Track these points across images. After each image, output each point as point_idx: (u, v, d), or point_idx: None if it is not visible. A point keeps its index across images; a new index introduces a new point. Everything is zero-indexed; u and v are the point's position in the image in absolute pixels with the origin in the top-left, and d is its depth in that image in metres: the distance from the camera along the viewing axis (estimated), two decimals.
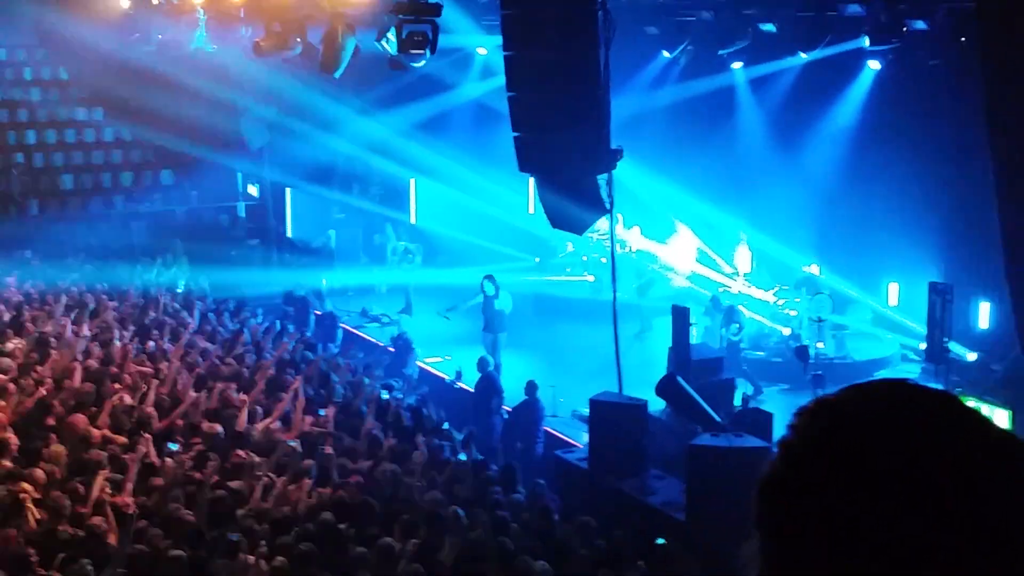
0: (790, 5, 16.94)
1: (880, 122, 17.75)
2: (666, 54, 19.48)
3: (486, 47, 21.30)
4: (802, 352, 15.38)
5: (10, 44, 27.19)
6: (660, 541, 10.33)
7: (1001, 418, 12.79)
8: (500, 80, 13.47)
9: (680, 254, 20.92)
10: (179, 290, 18.41)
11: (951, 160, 16.82)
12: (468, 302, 18.24)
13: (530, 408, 14.34)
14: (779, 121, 19.55)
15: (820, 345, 15.95)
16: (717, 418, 12.09)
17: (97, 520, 9.03)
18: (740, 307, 17.08)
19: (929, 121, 16.72)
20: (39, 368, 13.03)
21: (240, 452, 10.95)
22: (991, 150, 11.24)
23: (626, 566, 9.28)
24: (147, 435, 10.85)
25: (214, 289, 19.15)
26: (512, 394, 15.02)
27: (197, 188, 25.90)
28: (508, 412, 14.83)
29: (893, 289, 18.32)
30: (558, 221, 13.57)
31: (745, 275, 19.72)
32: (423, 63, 15.09)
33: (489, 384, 14.91)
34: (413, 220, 25.41)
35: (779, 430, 10.93)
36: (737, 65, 19.07)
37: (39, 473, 9.98)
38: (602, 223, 14.42)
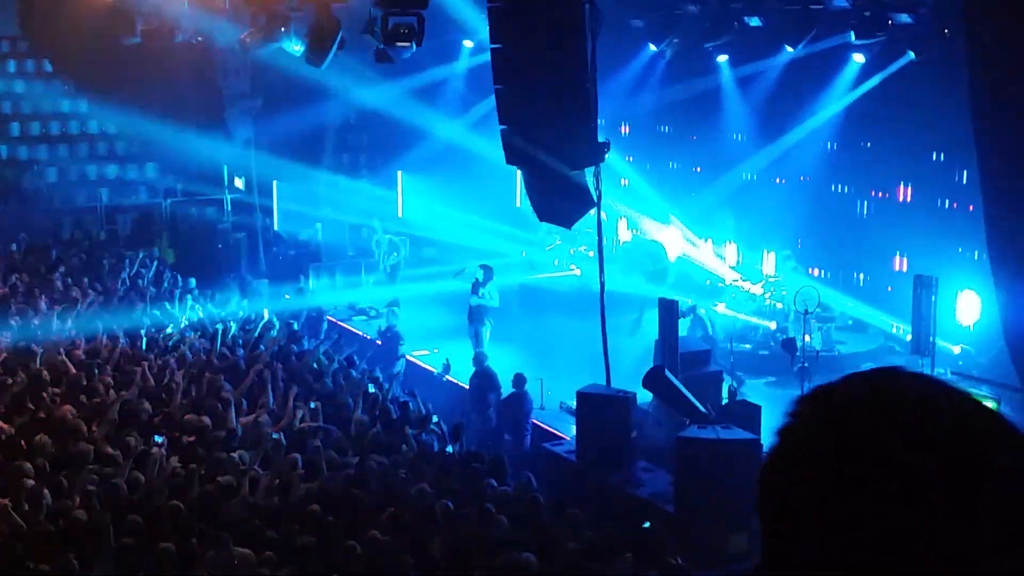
0: None
1: (865, 114, 17.81)
2: (652, 47, 19.50)
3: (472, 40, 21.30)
4: (789, 344, 15.44)
5: None
6: (646, 525, 10.39)
7: None
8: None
9: (671, 245, 21.00)
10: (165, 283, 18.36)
11: (936, 152, 16.91)
12: (467, 272, 18.09)
13: (518, 401, 14.36)
14: (764, 113, 19.61)
15: (807, 338, 16.01)
16: (704, 410, 12.13)
17: (83, 513, 9.02)
18: (701, 310, 17.03)
19: (914, 114, 16.79)
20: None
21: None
22: (976, 142, 11.31)
23: (614, 558, 9.31)
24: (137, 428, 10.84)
25: (201, 282, 19.09)
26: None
27: (182, 180, 25.81)
28: (496, 405, 14.84)
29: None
30: (546, 214, 13.58)
31: (732, 267, 19.80)
32: (409, 55, 15.11)
33: (486, 378, 14.93)
34: (400, 213, 25.39)
35: (767, 422, 11.02)
36: (723, 58, 19.11)
37: (27, 466, 9.95)
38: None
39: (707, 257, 20.70)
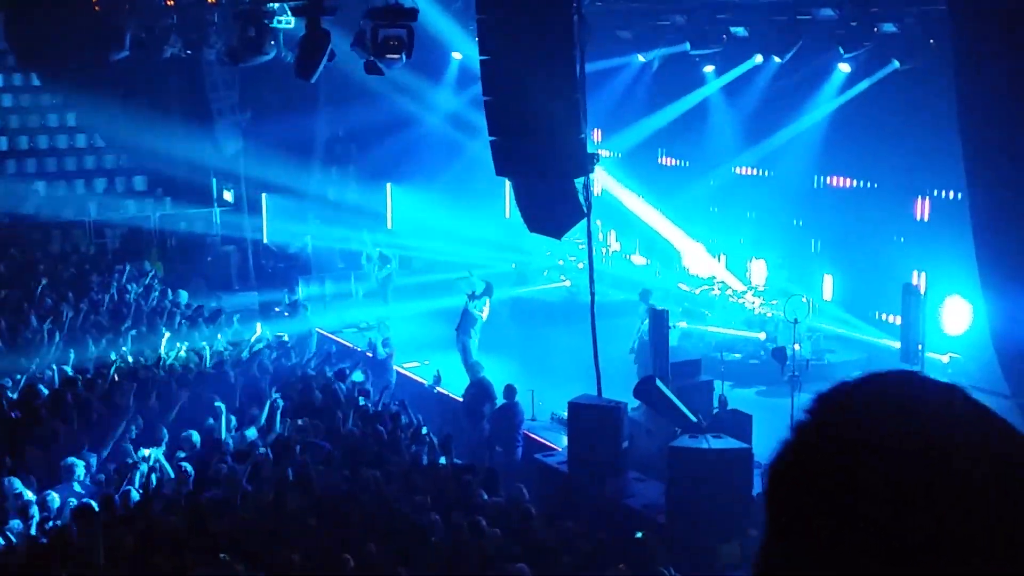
0: (762, 9, 17.06)
1: (851, 123, 17.88)
2: (640, 58, 19.57)
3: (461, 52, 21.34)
4: (780, 354, 15.46)
5: None
6: (638, 535, 10.39)
7: None
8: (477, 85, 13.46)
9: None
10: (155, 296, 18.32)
11: (923, 161, 16.98)
12: (471, 279, 18.02)
13: (510, 412, 14.35)
14: (751, 123, 19.68)
15: (796, 347, 16.05)
16: (695, 420, 12.14)
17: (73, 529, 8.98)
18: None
19: (900, 122, 16.87)
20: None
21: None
22: (963, 151, 11.38)
23: (607, 568, 9.31)
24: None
25: (190, 295, 19.08)
26: None
27: (171, 194, 25.80)
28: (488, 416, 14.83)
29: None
30: (535, 225, 13.59)
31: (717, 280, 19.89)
32: (399, 67, 15.15)
33: (481, 390, 14.92)
34: (389, 225, 25.40)
35: (758, 432, 11.00)
36: (709, 68, 19.18)
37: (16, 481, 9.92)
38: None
39: (698, 265, 20.79)
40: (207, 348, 15.30)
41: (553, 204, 12.95)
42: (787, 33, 16.78)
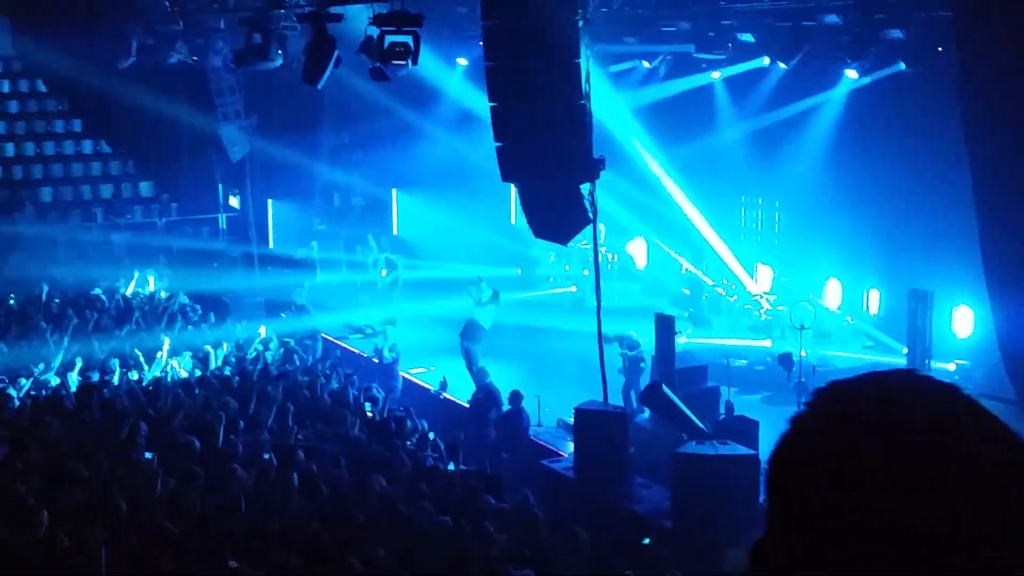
0: (768, 15, 17.06)
1: (858, 130, 17.87)
2: (646, 64, 19.58)
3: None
4: (786, 360, 15.45)
5: None
6: (645, 541, 10.37)
7: None
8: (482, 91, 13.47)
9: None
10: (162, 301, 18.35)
11: (930, 167, 16.96)
12: (480, 286, 17.94)
13: (515, 418, 14.36)
14: (757, 129, 19.68)
15: (803, 353, 16.04)
16: (702, 426, 12.13)
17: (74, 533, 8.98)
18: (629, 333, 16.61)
19: (907, 129, 16.85)
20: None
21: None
22: (969, 158, 11.38)
23: (613, 574, 9.30)
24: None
25: (195, 300, 19.09)
26: None
27: (178, 200, 25.85)
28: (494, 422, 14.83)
29: (874, 296, 18.40)
30: (541, 231, 13.59)
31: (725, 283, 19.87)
32: (405, 73, 15.18)
33: (488, 396, 14.92)
34: (395, 231, 25.43)
35: (765, 438, 11.01)
36: (716, 75, 19.18)
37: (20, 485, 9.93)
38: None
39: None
40: (212, 352, 15.30)
41: (559, 210, 12.95)
42: (793, 39, 16.76)
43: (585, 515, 11.45)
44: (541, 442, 14.58)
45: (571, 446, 13.52)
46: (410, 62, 14.59)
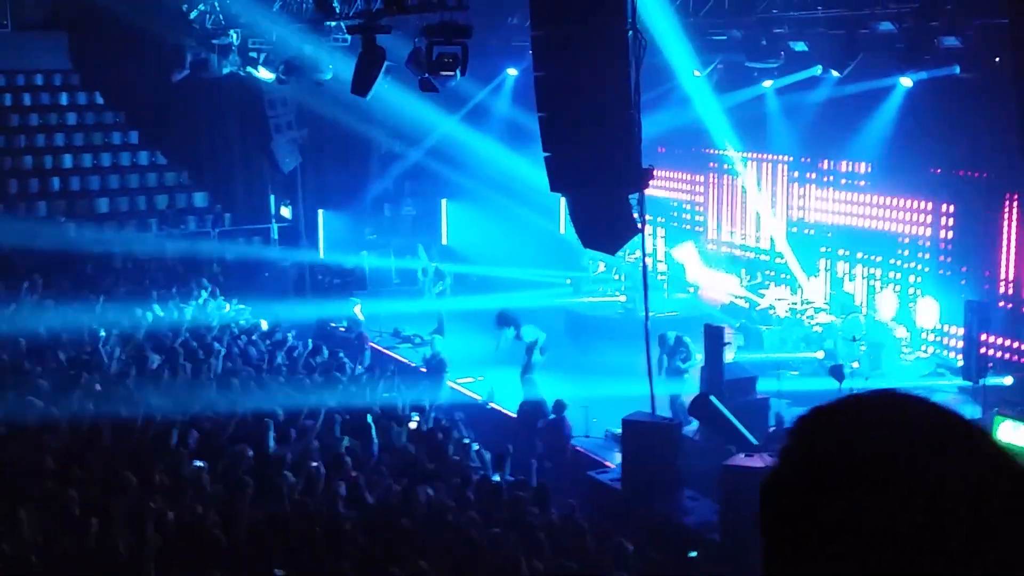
0: (821, 23, 16.88)
1: (912, 139, 17.60)
2: (697, 73, 19.46)
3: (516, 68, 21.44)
4: (837, 371, 15.24)
5: (47, 69, 27.62)
6: (692, 554, 10.26)
7: None
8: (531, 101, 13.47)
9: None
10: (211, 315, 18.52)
11: (986, 178, 16.69)
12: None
13: (558, 427, 14.31)
14: (810, 138, 19.49)
15: (855, 364, 15.80)
16: (751, 438, 12.00)
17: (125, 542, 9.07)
18: (687, 339, 16.38)
19: (961, 138, 16.58)
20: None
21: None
22: None
23: None
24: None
25: (247, 311, 19.26)
26: None
27: (231, 210, 26.14)
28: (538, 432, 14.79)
29: (932, 307, 18.09)
30: (590, 241, 13.54)
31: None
32: (454, 84, 15.23)
33: (535, 407, 14.90)
34: (444, 241, 25.50)
35: None
36: (768, 83, 19.01)
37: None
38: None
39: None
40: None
41: (607, 220, 12.90)
42: (846, 47, 16.57)
43: (632, 527, 11.37)
44: (588, 452, 14.51)
45: (618, 457, 13.42)
46: (458, 73, 14.63)
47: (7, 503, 9.70)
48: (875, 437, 1.15)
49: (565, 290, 22.50)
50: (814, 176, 20.44)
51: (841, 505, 1.12)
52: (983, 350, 14.93)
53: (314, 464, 11.32)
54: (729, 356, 15.16)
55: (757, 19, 17.25)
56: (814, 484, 1.15)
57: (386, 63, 15.92)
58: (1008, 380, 15.84)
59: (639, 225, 12.66)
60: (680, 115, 20.11)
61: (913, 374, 17.21)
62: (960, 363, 15.68)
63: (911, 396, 1.21)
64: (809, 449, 1.19)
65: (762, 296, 20.21)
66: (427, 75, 15.07)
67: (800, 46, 17.17)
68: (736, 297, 20.80)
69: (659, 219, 23.11)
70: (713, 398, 12.58)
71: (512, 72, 22.23)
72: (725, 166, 22.06)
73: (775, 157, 20.97)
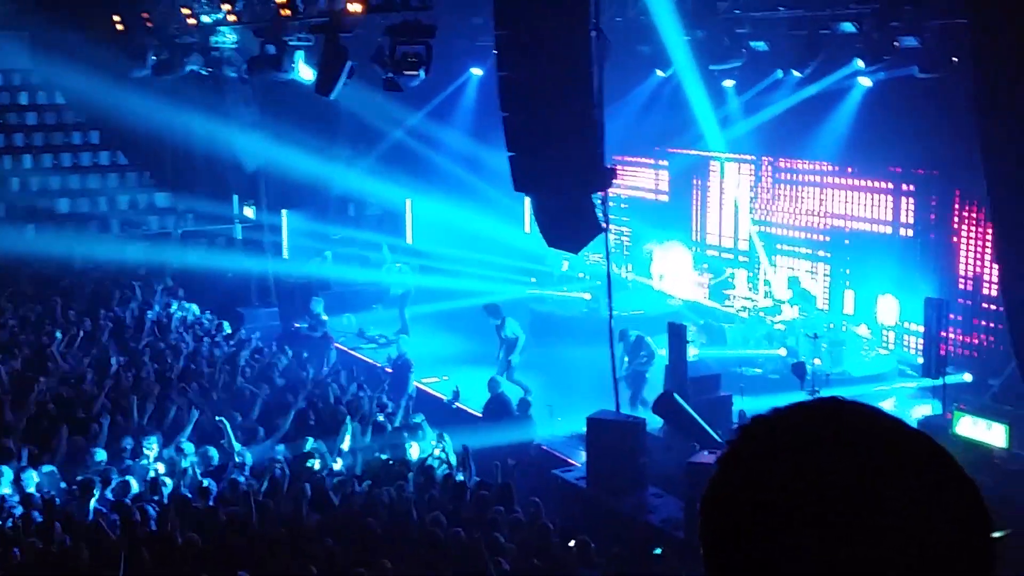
0: (782, 24, 17.02)
1: (871, 138, 17.79)
2: (660, 73, 19.55)
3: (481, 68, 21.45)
4: (799, 369, 15.38)
5: (6, 68, 27.30)
6: (657, 551, 10.32)
7: (998, 433, 12.81)
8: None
9: (672, 269, 21.20)
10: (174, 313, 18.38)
11: (944, 176, 16.90)
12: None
13: (522, 425, 14.36)
14: (771, 137, 19.63)
15: (817, 362, 15.95)
16: (715, 435, 12.08)
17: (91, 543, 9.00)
18: (648, 338, 16.53)
19: (920, 137, 16.78)
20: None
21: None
22: (984, 167, 11.29)
23: None
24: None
25: (210, 311, 19.16)
26: None
27: (193, 210, 25.94)
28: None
29: (892, 304, 18.29)
30: (554, 240, 13.58)
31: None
32: (417, 83, 15.21)
33: (500, 404, 14.92)
34: (409, 240, 25.45)
35: None
36: (729, 83, 19.14)
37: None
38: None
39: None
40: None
41: (571, 219, 12.94)
42: (807, 48, 16.72)
43: (597, 525, 11.42)
44: (553, 451, 14.55)
45: (583, 456, 13.47)
46: (422, 72, 14.62)
47: None
48: (814, 449, 1.13)
49: (530, 288, 22.53)
50: (773, 174, 20.61)
51: (775, 519, 1.11)
52: (944, 347, 15.11)
53: (278, 466, 11.28)
54: (692, 352, 15.28)
55: (720, 20, 17.35)
56: (755, 514, 1.13)
57: (349, 63, 15.87)
58: (968, 377, 16.06)
59: (603, 224, 12.72)
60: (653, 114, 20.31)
61: (875, 371, 17.40)
62: (920, 360, 15.87)
63: (856, 404, 1.20)
64: (746, 461, 1.17)
65: (728, 296, 20.34)
66: (391, 74, 15.03)
67: (761, 46, 17.30)
68: (704, 294, 20.93)
69: (623, 218, 23.26)
70: (677, 396, 12.66)
71: (477, 72, 22.23)
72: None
73: (737, 156, 21.11)
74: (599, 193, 12.58)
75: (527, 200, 17.18)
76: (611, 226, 13.38)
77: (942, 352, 14.72)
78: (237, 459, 11.60)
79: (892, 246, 18.27)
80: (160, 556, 9.05)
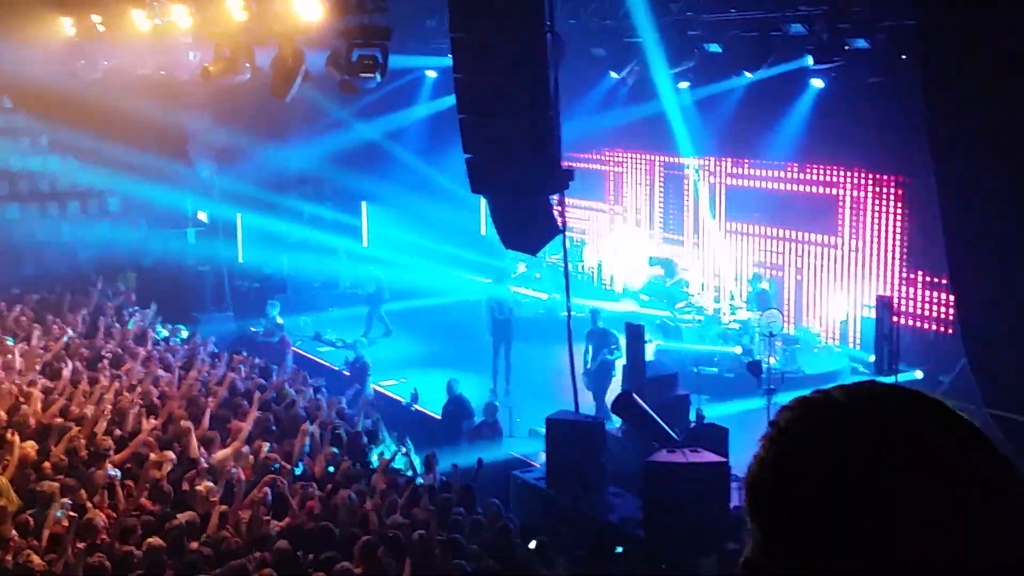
0: (735, 26, 17.19)
1: (824, 139, 18.02)
2: (614, 75, 19.67)
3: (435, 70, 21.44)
4: (755, 367, 15.54)
5: None
6: (618, 550, 10.38)
7: None
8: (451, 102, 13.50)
9: (628, 267, 21.32)
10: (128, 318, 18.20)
11: (896, 175, 17.15)
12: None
13: (490, 430, 14.40)
14: (726, 139, 19.82)
15: (772, 360, 16.12)
16: (673, 434, 12.17)
17: (50, 557, 8.90)
18: (613, 331, 16.70)
19: (872, 138, 17.02)
20: None
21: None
22: (934, 166, 11.48)
23: None
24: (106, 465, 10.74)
25: (164, 316, 18.97)
26: None
27: (145, 214, 25.66)
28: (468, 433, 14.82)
29: (844, 301, 18.55)
30: (511, 242, 13.61)
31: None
32: (374, 86, 15.17)
33: (459, 406, 14.92)
34: (365, 244, 25.38)
35: (735, 445, 11.07)
36: (684, 85, 19.29)
37: None
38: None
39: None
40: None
41: (528, 221, 12.97)
42: (760, 49, 16.90)
43: (558, 525, 11.47)
44: (513, 452, 14.59)
45: (543, 456, 13.52)
46: (378, 75, 14.59)
47: None
48: (859, 430, 1.16)
49: (488, 289, 22.55)
50: (728, 174, 20.80)
51: (820, 499, 1.13)
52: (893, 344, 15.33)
53: (233, 470, 11.19)
54: (651, 347, 15.46)
55: (672, 21, 17.48)
56: (794, 477, 1.16)
57: (303, 67, 15.78)
58: (919, 373, 16.31)
59: (559, 226, 12.77)
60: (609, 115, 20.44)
61: (828, 369, 17.63)
62: (872, 358, 16.10)
63: (900, 387, 1.23)
64: (791, 440, 1.19)
65: (685, 294, 20.49)
66: (347, 76, 14.98)
67: (714, 47, 17.46)
68: (659, 291, 21.06)
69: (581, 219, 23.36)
70: (635, 395, 12.74)
71: (431, 74, 22.23)
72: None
73: (692, 159, 21.27)
74: (555, 194, 12.63)
75: (484, 202, 17.20)
76: (568, 225, 13.42)
77: (892, 348, 14.94)
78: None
79: (844, 243, 18.51)
80: (118, 562, 8.96)
